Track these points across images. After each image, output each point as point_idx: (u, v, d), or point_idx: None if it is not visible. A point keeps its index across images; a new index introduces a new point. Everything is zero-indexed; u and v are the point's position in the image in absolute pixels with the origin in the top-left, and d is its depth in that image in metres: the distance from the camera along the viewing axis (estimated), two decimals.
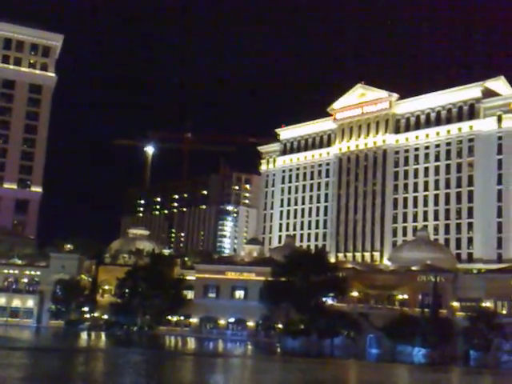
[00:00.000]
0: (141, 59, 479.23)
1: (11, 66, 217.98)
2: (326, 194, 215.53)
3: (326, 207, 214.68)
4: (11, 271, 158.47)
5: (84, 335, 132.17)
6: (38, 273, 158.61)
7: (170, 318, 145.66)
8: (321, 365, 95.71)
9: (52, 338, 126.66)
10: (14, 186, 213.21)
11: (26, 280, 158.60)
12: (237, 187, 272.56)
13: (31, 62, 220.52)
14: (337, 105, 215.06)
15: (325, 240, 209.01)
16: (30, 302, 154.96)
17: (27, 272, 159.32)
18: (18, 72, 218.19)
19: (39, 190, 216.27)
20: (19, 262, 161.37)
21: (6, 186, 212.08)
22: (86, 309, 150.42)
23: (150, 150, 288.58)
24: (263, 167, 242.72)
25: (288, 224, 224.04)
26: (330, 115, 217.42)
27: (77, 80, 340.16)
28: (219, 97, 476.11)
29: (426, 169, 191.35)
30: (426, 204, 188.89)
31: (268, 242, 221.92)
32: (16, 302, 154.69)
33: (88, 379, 59.22)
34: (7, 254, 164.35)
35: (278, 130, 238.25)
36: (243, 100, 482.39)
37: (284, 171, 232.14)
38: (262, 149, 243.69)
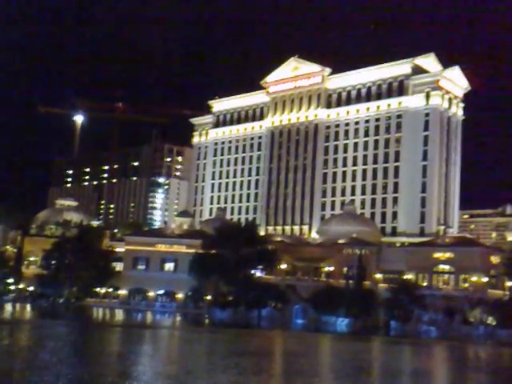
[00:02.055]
0: (77, 26, 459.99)
1: None
2: (258, 168, 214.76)
3: (257, 181, 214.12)
4: None
5: (9, 307, 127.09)
6: None
7: (98, 289, 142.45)
8: (247, 336, 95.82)
9: None
10: None
11: None
12: (169, 159, 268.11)
13: None
14: (270, 78, 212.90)
15: (255, 213, 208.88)
16: None
17: None
18: None
19: None
20: None
21: None
22: (10, 280, 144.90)
23: (78, 118, 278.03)
24: (195, 139, 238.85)
25: (219, 197, 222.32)
26: (264, 88, 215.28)
27: (7, 43, 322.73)
28: (153, 68, 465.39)
29: (356, 144, 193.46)
30: (354, 179, 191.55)
31: (199, 214, 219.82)
32: None
33: (11, 351, 56.40)
34: None
35: (211, 102, 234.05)
36: (177, 71, 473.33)
37: (216, 144, 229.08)
38: (195, 121, 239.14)
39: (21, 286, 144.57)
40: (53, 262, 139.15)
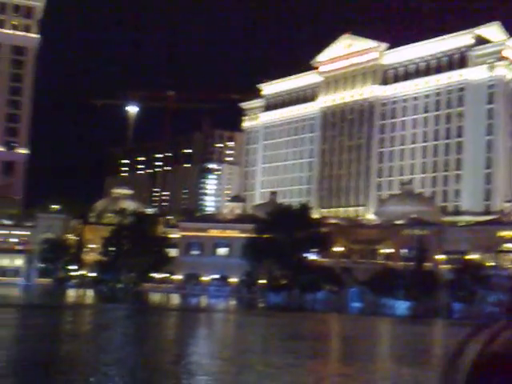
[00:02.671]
0: (126, 18, 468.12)
1: None
2: (310, 150, 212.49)
3: (309, 163, 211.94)
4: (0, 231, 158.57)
5: (71, 292, 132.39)
6: (26, 233, 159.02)
7: (154, 275, 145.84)
8: (302, 319, 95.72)
9: (41, 295, 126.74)
10: (1, 148, 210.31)
11: (14, 240, 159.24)
12: (219, 145, 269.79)
13: (14, 23, 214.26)
14: (321, 57, 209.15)
15: (308, 196, 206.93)
16: (19, 261, 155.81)
17: (15, 232, 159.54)
18: (0, 34, 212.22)
19: (25, 151, 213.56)
20: (7, 222, 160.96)
21: None
22: (72, 267, 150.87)
23: (132, 109, 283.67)
24: (246, 124, 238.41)
25: (271, 181, 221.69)
26: (315, 68, 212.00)
27: (61, 40, 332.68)
28: (201, 54, 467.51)
29: (415, 120, 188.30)
30: (413, 157, 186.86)
31: (251, 199, 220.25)
32: (5, 262, 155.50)
33: (76, 334, 58.90)
34: None
35: (260, 86, 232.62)
36: (225, 56, 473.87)
37: (267, 127, 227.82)
38: (245, 105, 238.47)
39: (82, 272, 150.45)
40: (111, 249, 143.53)
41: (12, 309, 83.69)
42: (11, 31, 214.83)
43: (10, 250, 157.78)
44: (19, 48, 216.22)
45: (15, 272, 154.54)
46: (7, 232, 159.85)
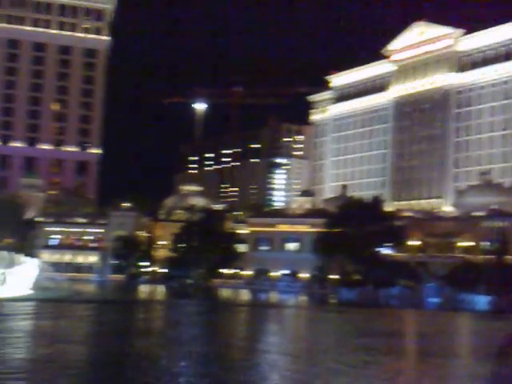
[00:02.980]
0: (193, 15, 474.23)
1: (67, 32, 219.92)
2: (382, 141, 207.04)
3: (382, 154, 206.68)
4: (75, 229, 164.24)
5: (143, 288, 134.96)
6: (100, 230, 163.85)
7: (223, 270, 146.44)
8: (377, 315, 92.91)
9: (114, 291, 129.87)
10: (75, 149, 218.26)
11: (88, 237, 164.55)
12: (288, 139, 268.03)
13: (85, 26, 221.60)
14: (393, 45, 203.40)
15: (380, 189, 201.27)
16: (93, 258, 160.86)
17: (89, 230, 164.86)
18: (73, 38, 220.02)
19: (97, 151, 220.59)
20: (82, 220, 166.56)
21: (67, 148, 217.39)
22: (144, 263, 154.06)
23: (200, 106, 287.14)
24: (314, 117, 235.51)
25: (342, 174, 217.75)
26: (386, 57, 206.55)
27: (130, 41, 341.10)
28: (268, 47, 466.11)
29: (493, 108, 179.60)
30: (491, 146, 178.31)
31: (320, 193, 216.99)
32: (80, 258, 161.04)
33: (149, 330, 59.66)
34: (70, 213, 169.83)
35: (328, 78, 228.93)
36: (291, 49, 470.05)
37: (337, 120, 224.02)
38: (313, 98, 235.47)
39: (153, 268, 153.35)
40: (181, 245, 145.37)
41: (87, 305, 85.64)
42: (83, 34, 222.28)
43: (84, 247, 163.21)
44: (91, 51, 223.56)
45: (90, 268, 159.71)
46: (82, 230, 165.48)
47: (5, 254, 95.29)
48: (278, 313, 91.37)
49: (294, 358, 44.08)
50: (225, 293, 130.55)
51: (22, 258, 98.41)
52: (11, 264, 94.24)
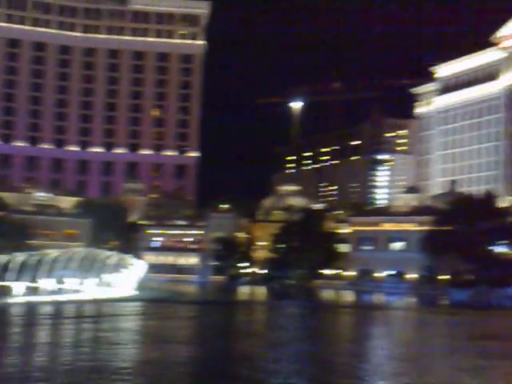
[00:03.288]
0: (285, 13, 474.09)
1: (164, 40, 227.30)
2: (494, 133, 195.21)
3: (494, 147, 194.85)
4: (175, 232, 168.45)
5: (244, 289, 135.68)
6: (199, 232, 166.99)
7: (324, 271, 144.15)
8: (492, 317, 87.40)
9: (215, 292, 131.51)
10: (174, 153, 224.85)
11: (188, 239, 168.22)
12: (390, 134, 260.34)
13: (182, 33, 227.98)
14: (503, 32, 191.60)
15: (493, 183, 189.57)
16: (194, 259, 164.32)
17: (189, 232, 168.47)
18: (170, 44, 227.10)
19: (195, 154, 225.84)
20: (182, 223, 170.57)
21: (166, 153, 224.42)
22: (243, 264, 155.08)
23: (296, 105, 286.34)
24: (418, 110, 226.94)
25: (449, 169, 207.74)
26: (495, 45, 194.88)
27: (225, 43, 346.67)
28: (364, 40, 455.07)
29: None
30: None
31: (427, 189, 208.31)
32: (181, 260, 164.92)
33: (251, 331, 59.50)
34: (171, 216, 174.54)
35: (433, 68, 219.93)
36: (389, 40, 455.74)
37: (442, 112, 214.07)
38: (417, 90, 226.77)
39: (253, 269, 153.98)
40: (280, 245, 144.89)
41: (190, 305, 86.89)
42: (179, 41, 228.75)
43: (185, 249, 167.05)
44: (187, 56, 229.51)
45: (191, 270, 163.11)
46: (182, 232, 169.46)
47: (115, 255, 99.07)
48: (384, 315, 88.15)
49: (403, 362, 41.83)
50: (327, 294, 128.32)
51: (129, 259, 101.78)
52: (120, 266, 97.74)
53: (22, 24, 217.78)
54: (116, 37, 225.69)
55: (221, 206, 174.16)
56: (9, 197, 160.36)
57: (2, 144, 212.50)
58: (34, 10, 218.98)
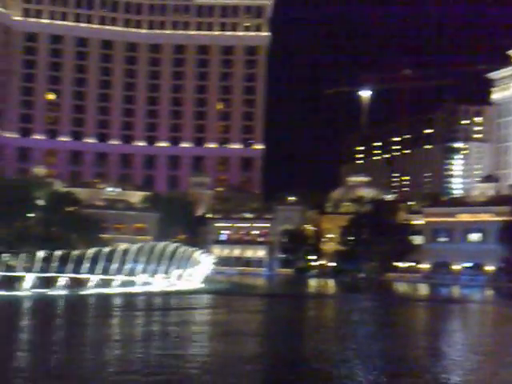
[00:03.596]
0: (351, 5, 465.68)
1: (228, 33, 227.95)
2: None
3: None
4: (242, 225, 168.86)
5: (313, 282, 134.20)
6: (266, 225, 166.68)
7: (397, 264, 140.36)
8: None
9: (283, 284, 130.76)
10: (239, 146, 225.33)
11: (255, 232, 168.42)
12: (465, 121, 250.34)
13: (246, 25, 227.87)
14: None
15: None
16: (261, 252, 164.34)
17: (256, 225, 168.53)
18: (234, 37, 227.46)
19: (261, 147, 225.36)
20: (248, 215, 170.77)
21: (231, 146, 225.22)
22: (312, 257, 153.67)
23: (365, 93, 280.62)
24: (495, 96, 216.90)
25: None
26: None
27: (289, 34, 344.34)
28: (436, 24, 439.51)
29: None
30: None
31: (506, 178, 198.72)
32: (248, 253, 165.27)
33: (320, 325, 58.49)
34: (237, 209, 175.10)
35: (510, 52, 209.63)
36: (464, 24, 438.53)
37: None
38: (493, 75, 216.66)
39: (321, 262, 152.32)
40: (350, 238, 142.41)
41: (257, 298, 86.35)
42: (244, 33, 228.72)
43: (252, 242, 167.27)
44: (252, 48, 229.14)
45: (258, 262, 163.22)
46: (249, 225, 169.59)
47: (183, 248, 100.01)
48: (460, 309, 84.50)
49: (483, 356, 39.36)
50: (400, 287, 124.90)
51: (197, 252, 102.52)
52: (188, 259, 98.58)
53: (89, 23, 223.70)
54: (181, 32, 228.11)
55: (288, 198, 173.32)
56: (80, 192, 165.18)
57: (74, 141, 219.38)
58: (101, 8, 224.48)
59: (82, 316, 56.99)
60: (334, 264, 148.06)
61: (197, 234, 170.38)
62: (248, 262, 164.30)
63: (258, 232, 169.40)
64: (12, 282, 76.68)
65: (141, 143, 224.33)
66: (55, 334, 45.04)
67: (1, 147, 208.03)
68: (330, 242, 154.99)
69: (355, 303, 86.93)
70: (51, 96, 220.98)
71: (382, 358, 37.63)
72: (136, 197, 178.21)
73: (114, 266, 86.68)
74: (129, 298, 74.33)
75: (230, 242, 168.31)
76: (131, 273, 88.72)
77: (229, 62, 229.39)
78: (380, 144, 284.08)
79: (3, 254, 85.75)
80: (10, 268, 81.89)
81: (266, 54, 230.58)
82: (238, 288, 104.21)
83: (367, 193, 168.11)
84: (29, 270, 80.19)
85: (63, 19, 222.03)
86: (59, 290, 76.47)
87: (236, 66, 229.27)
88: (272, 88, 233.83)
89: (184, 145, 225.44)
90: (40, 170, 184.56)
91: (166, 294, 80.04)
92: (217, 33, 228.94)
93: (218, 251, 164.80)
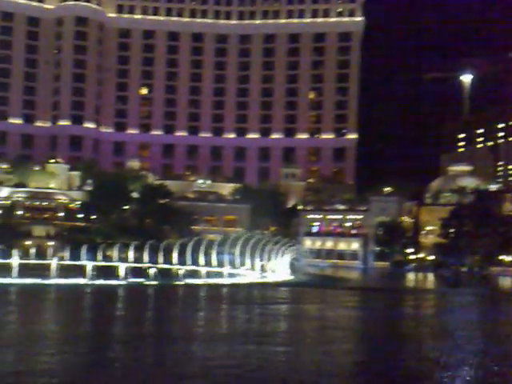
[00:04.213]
0: None
1: (320, 19, 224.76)
2: None
3: None
4: (335, 216, 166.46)
5: (410, 276, 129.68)
6: (360, 217, 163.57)
7: (503, 257, 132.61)
8: None
9: (379, 278, 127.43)
10: (331, 136, 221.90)
11: (348, 224, 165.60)
12: None
13: (339, 10, 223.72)
14: None
15: None
16: (355, 245, 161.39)
17: (349, 216, 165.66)
18: (326, 24, 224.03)
19: (354, 136, 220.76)
20: (341, 207, 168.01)
21: (323, 136, 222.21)
22: (409, 250, 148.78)
23: (466, 78, 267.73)
24: None
25: None
26: None
27: (383, 19, 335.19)
28: None
29: None
30: None
31: None
32: (341, 245, 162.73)
33: (424, 318, 56.86)
34: (330, 200, 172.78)
35: None
36: None
37: None
38: None
39: (420, 255, 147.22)
40: (451, 230, 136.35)
41: (352, 292, 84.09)
42: (336, 19, 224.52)
43: (345, 234, 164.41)
44: (344, 34, 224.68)
45: (352, 255, 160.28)
46: (342, 217, 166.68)
47: (274, 240, 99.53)
48: None
49: None
50: (505, 282, 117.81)
51: (288, 245, 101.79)
52: (280, 251, 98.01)
53: (180, 16, 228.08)
54: (271, 21, 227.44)
55: (383, 188, 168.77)
56: (172, 184, 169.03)
57: (166, 135, 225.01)
58: (192, 1, 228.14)
59: (172, 306, 57.31)
60: (434, 257, 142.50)
61: (287, 226, 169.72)
62: (341, 255, 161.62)
63: (351, 224, 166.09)
64: (109, 272, 79.21)
65: (231, 135, 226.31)
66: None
67: (98, 142, 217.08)
68: (429, 234, 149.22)
69: (458, 298, 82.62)
70: (144, 91, 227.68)
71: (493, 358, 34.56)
72: (226, 189, 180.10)
73: (204, 257, 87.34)
74: (220, 290, 74.87)
75: (321, 234, 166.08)
76: (220, 264, 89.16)
77: (320, 50, 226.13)
78: (483, 131, 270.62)
79: (101, 245, 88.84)
80: (107, 258, 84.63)
81: (359, 39, 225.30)
82: (331, 281, 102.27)
83: (469, 183, 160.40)
84: (124, 260, 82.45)
85: (155, 14, 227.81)
86: (151, 280, 77.96)
87: (328, 54, 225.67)
88: (366, 75, 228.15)
89: (274, 136, 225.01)
90: (134, 164, 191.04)
91: (257, 286, 79.68)
92: (308, 20, 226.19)
93: (310, 243, 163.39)
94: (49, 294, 64.15)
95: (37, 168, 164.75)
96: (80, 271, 77.58)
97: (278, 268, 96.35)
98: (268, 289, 77.88)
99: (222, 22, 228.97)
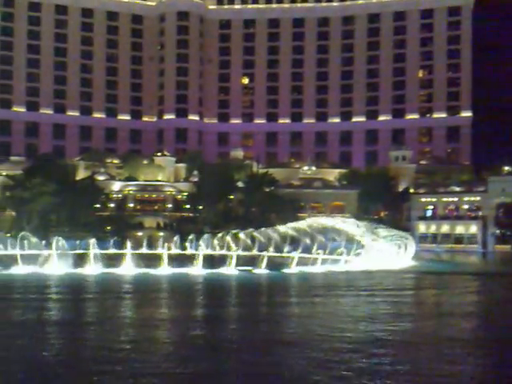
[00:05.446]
0: None
1: None
2: None
3: None
4: (450, 199, 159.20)
5: None
6: (477, 198, 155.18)
7: None
8: None
9: (503, 263, 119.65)
10: (444, 115, 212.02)
11: (465, 206, 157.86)
12: None
13: None
14: None
15: None
16: (473, 228, 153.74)
17: (466, 198, 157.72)
18: None
19: (469, 114, 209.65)
20: (457, 189, 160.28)
21: (435, 115, 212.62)
22: None
23: None
24: None
25: None
26: None
27: None
28: None
29: None
30: None
31: None
32: (459, 229, 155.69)
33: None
34: (445, 182, 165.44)
35: None
36: None
37: None
38: None
39: None
40: None
41: (469, 276, 79.17)
42: None
43: (462, 217, 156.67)
44: (455, 8, 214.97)
45: (470, 239, 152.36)
46: (458, 199, 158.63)
47: (386, 226, 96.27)
48: None
49: None
50: None
51: (400, 230, 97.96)
52: (392, 236, 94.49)
53: (280, 3, 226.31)
54: (375, 0, 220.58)
55: (502, 168, 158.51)
56: (277, 172, 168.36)
57: (268, 123, 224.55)
58: None
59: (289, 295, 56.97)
60: None
61: (399, 211, 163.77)
62: (458, 239, 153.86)
63: (468, 206, 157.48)
64: (217, 262, 79.45)
65: (335, 120, 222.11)
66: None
67: (202, 133, 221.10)
68: None
69: None
70: (245, 80, 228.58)
71: None
72: (332, 174, 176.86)
73: (315, 244, 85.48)
74: (336, 277, 73.14)
75: (436, 217, 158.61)
76: (332, 251, 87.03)
77: (429, 26, 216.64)
78: None
79: (208, 234, 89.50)
80: (214, 247, 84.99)
81: (470, 13, 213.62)
82: (451, 266, 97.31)
83: None
84: (232, 249, 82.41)
85: (254, 2, 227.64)
86: (262, 269, 77.32)
87: (438, 30, 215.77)
88: (478, 50, 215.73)
89: (382, 118, 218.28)
90: (238, 153, 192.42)
91: (372, 273, 77.04)
92: None
93: (424, 228, 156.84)
94: (177, 283, 64.82)
95: (145, 162, 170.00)
96: (189, 260, 78.23)
97: (392, 254, 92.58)
98: (387, 276, 74.90)
99: (323, 4, 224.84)
